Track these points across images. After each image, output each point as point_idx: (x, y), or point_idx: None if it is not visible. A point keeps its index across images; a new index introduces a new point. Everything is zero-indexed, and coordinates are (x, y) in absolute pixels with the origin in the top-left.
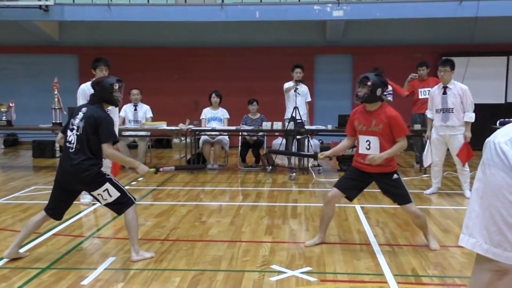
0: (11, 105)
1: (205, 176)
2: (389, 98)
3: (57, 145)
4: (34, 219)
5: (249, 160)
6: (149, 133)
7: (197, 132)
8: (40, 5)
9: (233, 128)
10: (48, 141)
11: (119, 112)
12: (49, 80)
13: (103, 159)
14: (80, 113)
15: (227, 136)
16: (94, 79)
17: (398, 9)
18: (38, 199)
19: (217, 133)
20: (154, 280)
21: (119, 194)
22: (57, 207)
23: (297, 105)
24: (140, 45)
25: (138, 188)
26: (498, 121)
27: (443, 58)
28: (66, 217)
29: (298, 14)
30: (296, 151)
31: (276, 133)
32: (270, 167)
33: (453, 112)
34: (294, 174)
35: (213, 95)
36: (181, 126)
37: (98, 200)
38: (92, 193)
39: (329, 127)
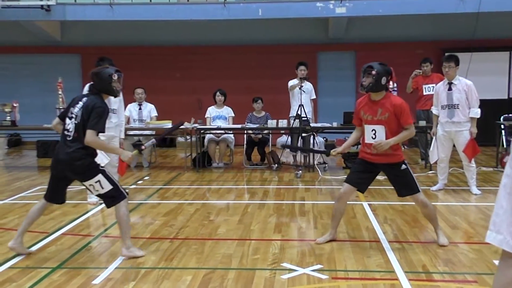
0: (14, 105)
1: (211, 175)
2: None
3: None
4: (35, 207)
5: (255, 158)
6: (154, 132)
7: (202, 131)
8: (42, 5)
9: (238, 126)
10: (52, 140)
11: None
12: (51, 80)
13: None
14: (80, 102)
15: (232, 135)
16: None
17: (401, 5)
18: None
19: (222, 131)
20: (165, 278)
21: (111, 187)
22: (56, 194)
23: (302, 103)
24: (142, 44)
25: (144, 187)
26: (502, 117)
27: (448, 54)
28: (74, 216)
29: (301, 11)
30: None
31: (282, 131)
32: (276, 165)
33: (458, 108)
34: (300, 172)
35: (218, 93)
36: (186, 125)
37: (90, 191)
38: (84, 183)
39: (334, 124)
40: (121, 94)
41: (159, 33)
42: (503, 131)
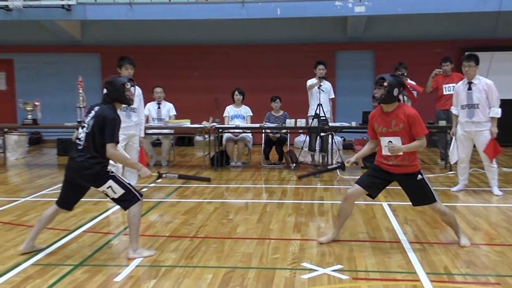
0: (36, 104)
1: (229, 174)
2: (413, 93)
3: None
4: (46, 212)
5: (273, 158)
6: (172, 131)
7: (220, 130)
8: (63, 5)
9: (257, 125)
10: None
11: None
12: (71, 79)
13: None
14: (93, 111)
15: (250, 134)
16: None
17: (420, 4)
18: None
19: (241, 130)
20: (186, 277)
21: (123, 191)
22: (67, 200)
23: (320, 102)
24: (161, 43)
25: (163, 186)
26: None
27: (467, 53)
28: (95, 214)
29: (320, 10)
30: (320, 164)
31: (300, 131)
32: (294, 164)
33: (478, 108)
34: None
35: (236, 92)
36: (205, 123)
37: (107, 196)
38: (98, 189)
39: (353, 123)
40: (141, 93)
41: (178, 33)
42: None
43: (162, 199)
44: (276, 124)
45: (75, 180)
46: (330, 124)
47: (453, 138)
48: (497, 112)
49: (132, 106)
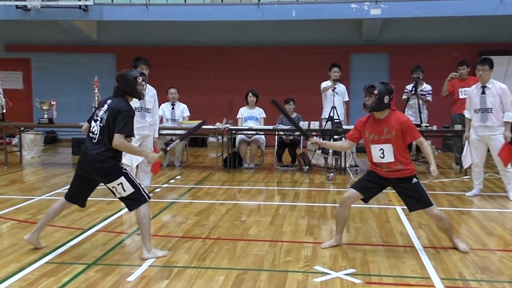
0: (52, 103)
1: (241, 175)
2: (428, 98)
3: None
4: (54, 206)
5: (285, 160)
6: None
7: (233, 131)
8: (80, 5)
9: (270, 127)
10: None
11: None
12: (87, 79)
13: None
14: (105, 105)
15: (263, 136)
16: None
17: (437, 7)
18: None
19: (254, 132)
20: (198, 278)
21: (133, 190)
22: (77, 195)
23: (334, 105)
24: (176, 44)
25: (176, 186)
26: None
27: (482, 57)
28: (108, 213)
29: (335, 12)
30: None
31: (313, 133)
32: (307, 167)
33: (492, 112)
34: (331, 174)
35: (250, 94)
36: (218, 125)
37: (113, 193)
38: (107, 185)
39: None
40: (156, 94)
41: (193, 34)
42: None
43: (175, 199)
44: (289, 126)
45: (87, 173)
46: (344, 126)
47: (466, 142)
48: (511, 116)
49: (146, 107)
